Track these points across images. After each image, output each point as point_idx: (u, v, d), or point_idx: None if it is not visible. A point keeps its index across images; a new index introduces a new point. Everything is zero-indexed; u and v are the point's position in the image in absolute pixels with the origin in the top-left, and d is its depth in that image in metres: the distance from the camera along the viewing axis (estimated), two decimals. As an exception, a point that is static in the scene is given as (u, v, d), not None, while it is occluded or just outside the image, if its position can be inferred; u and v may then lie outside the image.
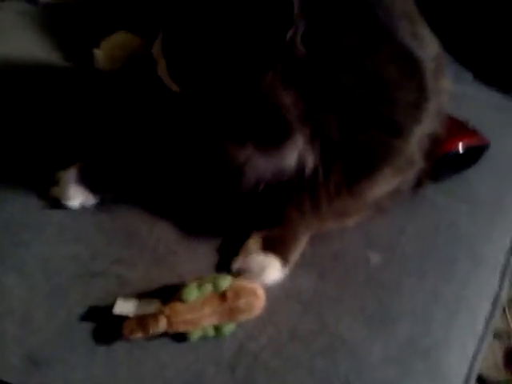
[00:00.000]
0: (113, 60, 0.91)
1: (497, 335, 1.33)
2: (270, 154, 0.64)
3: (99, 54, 0.90)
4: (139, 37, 0.91)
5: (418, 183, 0.79)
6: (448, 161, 0.84)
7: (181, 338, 0.68)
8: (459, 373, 0.74)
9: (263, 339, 0.70)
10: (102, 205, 0.77)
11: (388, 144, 0.64)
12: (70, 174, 0.75)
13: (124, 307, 0.67)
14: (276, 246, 0.75)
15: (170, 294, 0.69)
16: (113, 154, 0.79)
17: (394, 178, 0.71)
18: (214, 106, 0.63)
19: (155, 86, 0.73)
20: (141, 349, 0.67)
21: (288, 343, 0.70)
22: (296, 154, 0.63)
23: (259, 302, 0.69)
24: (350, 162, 0.64)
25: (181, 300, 0.66)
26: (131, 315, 0.66)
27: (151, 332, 0.65)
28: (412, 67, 0.62)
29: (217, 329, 0.68)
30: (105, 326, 0.68)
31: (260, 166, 0.66)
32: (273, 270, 0.73)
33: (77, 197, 0.75)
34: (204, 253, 0.75)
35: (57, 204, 0.75)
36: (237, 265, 0.73)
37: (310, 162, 0.63)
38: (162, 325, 0.65)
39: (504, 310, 1.29)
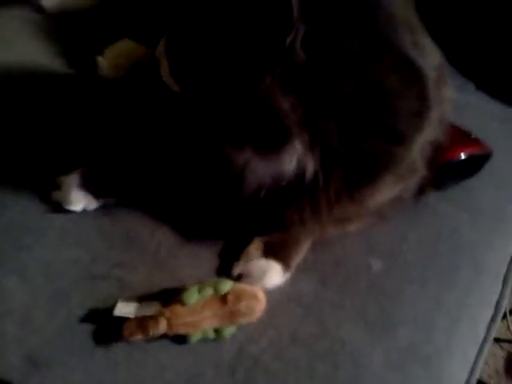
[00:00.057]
0: (116, 68, 0.91)
1: (497, 341, 1.34)
2: (268, 157, 0.64)
3: (103, 61, 0.91)
4: (143, 45, 0.92)
5: (421, 191, 0.79)
6: (450, 169, 0.84)
7: (181, 340, 0.68)
8: (460, 379, 0.74)
9: (263, 342, 0.70)
10: (104, 209, 0.77)
11: (390, 152, 0.64)
12: (73, 179, 0.76)
13: (124, 309, 0.67)
14: (277, 251, 0.75)
15: (170, 297, 0.68)
16: (115, 159, 0.79)
17: (396, 186, 0.71)
18: (214, 107, 0.64)
19: (158, 94, 0.74)
20: (141, 351, 0.67)
21: (288, 347, 0.70)
22: (295, 158, 0.63)
23: (260, 305, 0.69)
24: (351, 168, 0.64)
25: (181, 302, 0.66)
26: (131, 317, 0.66)
27: (151, 334, 0.65)
28: (413, 76, 0.62)
29: (217, 331, 0.68)
30: (105, 328, 0.68)
31: (259, 170, 0.66)
32: (274, 276, 0.73)
33: (79, 201, 0.75)
34: (205, 257, 0.75)
35: (58, 208, 0.76)
36: (238, 270, 0.73)
37: (310, 167, 0.63)
38: (162, 327, 0.65)
39: (505, 316, 1.28)
